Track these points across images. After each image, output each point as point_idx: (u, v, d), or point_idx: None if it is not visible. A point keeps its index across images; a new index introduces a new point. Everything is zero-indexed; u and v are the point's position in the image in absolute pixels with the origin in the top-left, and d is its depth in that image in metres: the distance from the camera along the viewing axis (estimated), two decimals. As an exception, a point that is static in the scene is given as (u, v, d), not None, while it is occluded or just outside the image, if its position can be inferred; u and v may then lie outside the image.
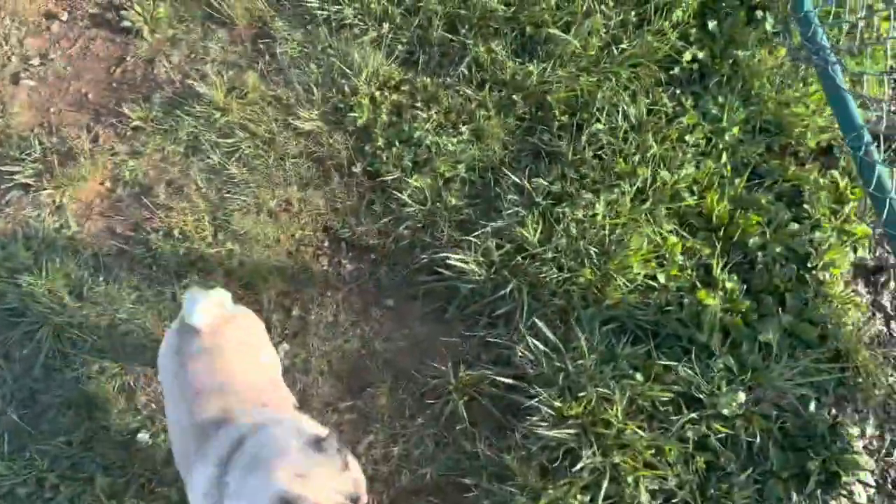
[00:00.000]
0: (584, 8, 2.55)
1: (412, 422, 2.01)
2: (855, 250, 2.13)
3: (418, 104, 2.46)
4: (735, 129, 2.30)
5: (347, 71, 2.51)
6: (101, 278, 2.24)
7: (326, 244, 2.30)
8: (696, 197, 2.18)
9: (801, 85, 2.43)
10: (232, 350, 1.60)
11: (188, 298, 1.60)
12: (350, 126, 2.44)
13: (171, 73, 2.59)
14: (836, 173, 2.21)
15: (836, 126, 2.34)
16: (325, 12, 2.66)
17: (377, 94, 2.48)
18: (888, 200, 1.91)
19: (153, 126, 2.48)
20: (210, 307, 1.60)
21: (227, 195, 2.34)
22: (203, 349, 1.57)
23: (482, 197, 2.31)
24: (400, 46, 2.60)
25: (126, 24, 2.69)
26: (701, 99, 2.39)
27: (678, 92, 2.41)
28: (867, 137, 2.05)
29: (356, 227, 2.30)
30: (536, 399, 1.90)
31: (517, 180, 2.27)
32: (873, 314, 2.06)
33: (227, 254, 2.25)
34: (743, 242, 2.10)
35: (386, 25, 2.62)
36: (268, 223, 2.30)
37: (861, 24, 2.32)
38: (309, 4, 2.67)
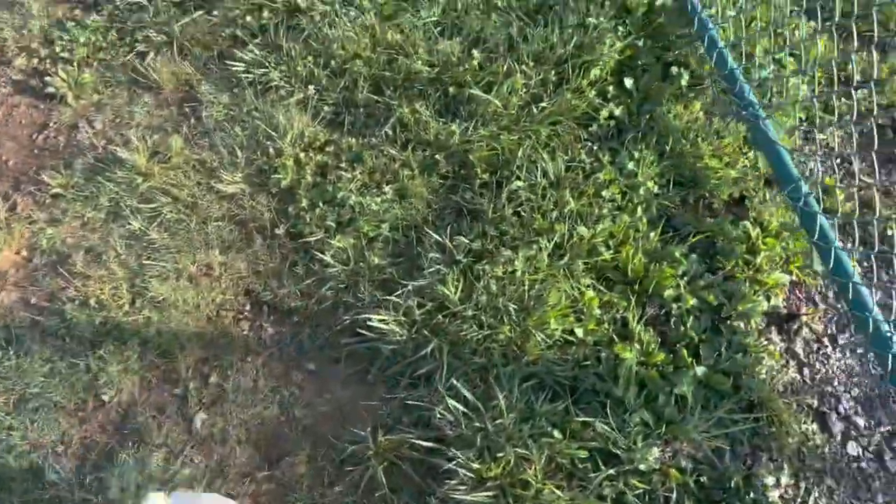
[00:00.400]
0: (506, 68, 2.63)
1: (331, 490, 1.97)
2: (768, 299, 2.17)
3: (343, 164, 2.48)
4: (650, 183, 2.35)
5: (272, 133, 2.53)
6: (11, 352, 2.18)
7: (248, 308, 2.28)
8: (612, 251, 2.22)
9: (714, 138, 2.51)
10: None
11: None
12: (274, 188, 2.45)
13: (94, 139, 2.59)
14: (748, 224, 2.27)
15: (748, 178, 2.42)
16: (251, 75, 2.70)
17: (302, 155, 2.50)
18: (833, 250, 1.98)
19: (74, 193, 2.46)
20: None
21: (147, 261, 2.32)
22: None
23: (405, 255, 2.32)
24: (326, 107, 2.64)
25: (50, 90, 2.69)
26: (618, 154, 2.45)
27: (595, 148, 2.47)
28: (805, 188, 2.12)
29: (278, 289, 2.28)
30: (455, 462, 1.88)
31: (439, 238, 2.29)
32: (787, 362, 2.09)
33: (145, 321, 2.21)
34: (659, 295, 2.14)
35: (312, 87, 2.66)
36: (187, 289, 2.27)
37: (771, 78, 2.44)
38: (235, 68, 2.71)
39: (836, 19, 2.18)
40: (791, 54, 2.64)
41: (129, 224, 2.38)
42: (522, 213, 2.31)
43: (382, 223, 2.36)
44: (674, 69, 2.66)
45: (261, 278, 2.31)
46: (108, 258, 2.33)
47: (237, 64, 2.70)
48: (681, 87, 2.62)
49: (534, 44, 2.69)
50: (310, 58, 2.71)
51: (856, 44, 2.02)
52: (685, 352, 2.02)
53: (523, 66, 2.65)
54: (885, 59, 2.71)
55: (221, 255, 2.33)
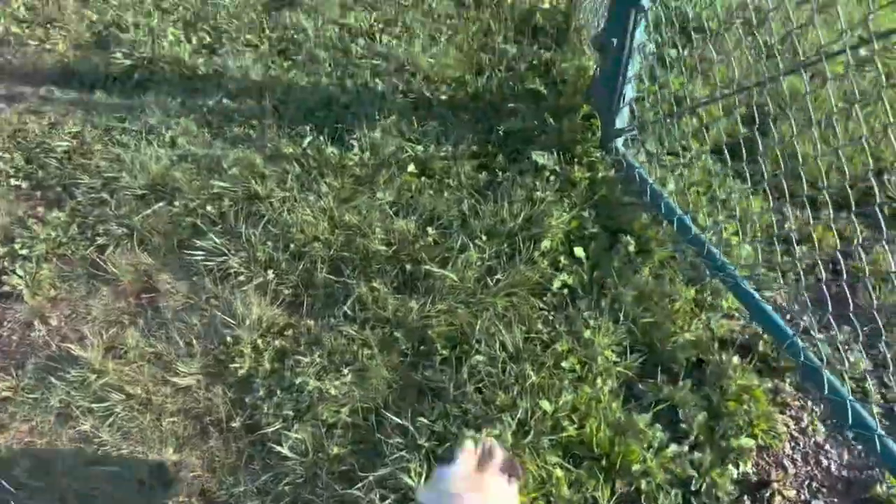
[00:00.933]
0: (460, 243, 2.72)
1: None
2: (737, 466, 2.13)
3: (302, 348, 2.47)
4: (608, 352, 2.38)
5: (230, 321, 2.53)
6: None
7: (202, 511, 2.17)
8: (576, 425, 2.19)
9: (667, 302, 2.58)
10: None
11: None
12: (231, 377, 2.42)
13: (49, 337, 2.56)
14: (707, 389, 2.28)
15: (705, 340, 2.47)
16: (211, 263, 2.74)
17: (260, 341, 2.49)
18: (848, 403, 2.00)
19: (23, 395, 2.39)
20: None
21: (95, 467, 2.22)
22: None
23: (366, 442, 2.26)
24: (285, 291, 2.67)
25: (6, 288, 2.69)
26: (574, 323, 2.48)
27: (552, 318, 2.51)
28: (801, 343, 2.16)
29: (234, 487, 2.18)
30: None
31: (401, 422, 2.24)
32: (765, 534, 2.02)
33: (90, 535, 2.08)
34: (627, 470, 2.09)
35: (271, 272, 2.71)
36: (139, 497, 2.16)
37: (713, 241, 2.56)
38: (194, 257, 2.75)
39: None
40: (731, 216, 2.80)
41: (81, 426, 2.30)
42: (484, 390, 2.29)
43: (342, 408, 2.31)
44: (621, 237, 2.78)
45: (216, 476, 2.22)
46: (53, 469, 2.22)
47: (196, 252, 2.75)
48: (629, 253, 2.72)
49: (485, 219, 2.81)
50: (269, 243, 2.78)
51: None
52: (660, 532, 1.95)
53: (476, 241, 2.75)
54: (819, 217, 2.87)
55: (175, 454, 2.24)
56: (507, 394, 2.26)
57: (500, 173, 3.05)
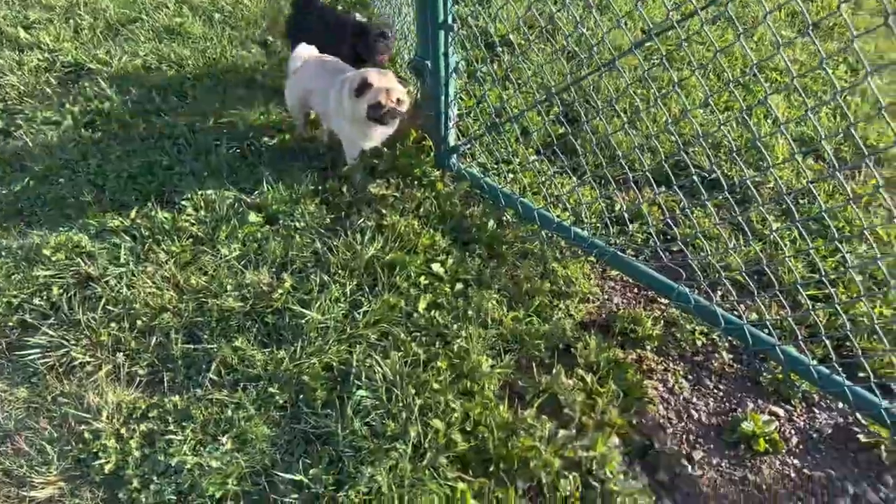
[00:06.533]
0: (319, 282, 2.68)
1: None
2: (621, 436, 2.25)
3: (171, 427, 2.30)
4: (483, 359, 2.43)
5: (85, 416, 2.30)
6: None
7: None
8: (469, 437, 2.21)
9: (527, 298, 2.69)
10: None
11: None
12: (97, 476, 2.19)
13: None
14: (581, 372, 2.40)
15: (569, 327, 2.60)
16: (50, 359, 2.49)
17: (123, 430, 2.29)
18: (745, 329, 2.15)
19: None
20: None
21: None
22: None
23: (261, 507, 2.14)
24: (140, 371, 2.48)
25: None
26: (446, 338, 2.52)
27: (424, 337, 2.53)
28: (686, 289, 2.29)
29: None
30: None
31: (293, 477, 2.15)
32: (657, 493, 2.14)
33: None
34: (525, 467, 2.13)
35: (120, 355, 2.51)
36: None
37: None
38: (30, 356, 2.49)
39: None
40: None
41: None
42: (373, 423, 2.26)
43: (228, 478, 2.17)
44: (473, 247, 2.88)
45: (100, 589, 1.99)
46: None
47: (31, 351, 2.49)
48: (483, 260, 2.82)
49: (339, 254, 2.79)
50: (112, 324, 2.57)
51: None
52: (566, 516, 2.00)
53: (336, 277, 2.72)
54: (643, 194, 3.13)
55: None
56: (396, 421, 2.24)
57: (345, 207, 3.05)
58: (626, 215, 2.99)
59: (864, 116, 3.62)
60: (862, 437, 2.25)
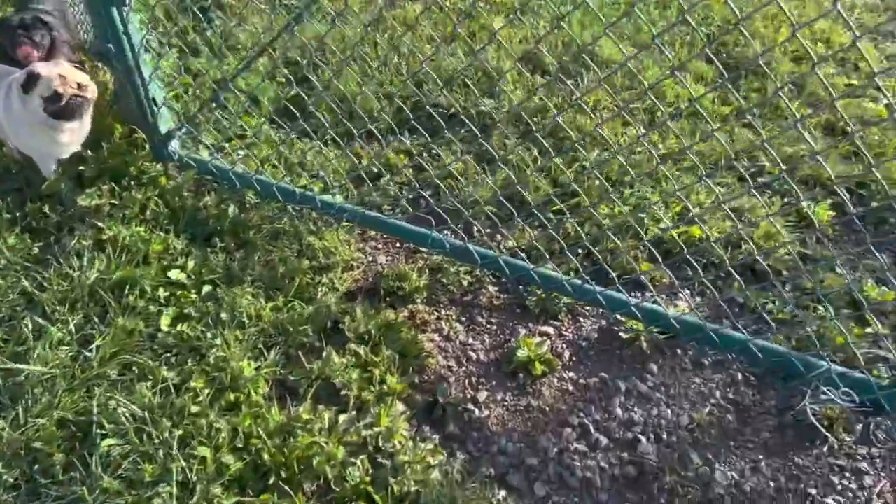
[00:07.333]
0: (32, 326, 2.26)
1: None
2: (405, 401, 2.17)
3: None
4: (245, 363, 2.20)
5: None
6: None
7: None
8: (243, 453, 1.99)
9: (286, 282, 2.48)
10: None
11: None
12: None
13: None
14: (353, 346, 2.26)
15: (334, 301, 2.43)
16: None
17: None
18: (500, 261, 2.00)
19: None
20: None
21: None
22: None
23: None
24: None
25: None
26: (201, 350, 2.25)
27: (174, 357, 2.24)
28: (439, 234, 2.14)
29: None
30: None
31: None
32: (451, 448, 2.09)
33: None
34: (309, 467, 1.96)
35: None
36: None
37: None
38: None
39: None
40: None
41: None
42: (126, 473, 1.95)
43: None
44: (214, 240, 2.59)
45: None
46: None
47: None
48: (229, 253, 2.56)
49: (54, 287, 2.37)
50: None
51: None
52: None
53: (55, 316, 2.32)
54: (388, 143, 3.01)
55: None
56: (154, 462, 1.95)
57: (53, 230, 2.60)
58: (375, 169, 2.87)
59: (578, 24, 3.77)
60: (623, 335, 2.36)
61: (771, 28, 3.72)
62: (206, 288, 2.44)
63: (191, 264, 2.50)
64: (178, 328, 2.30)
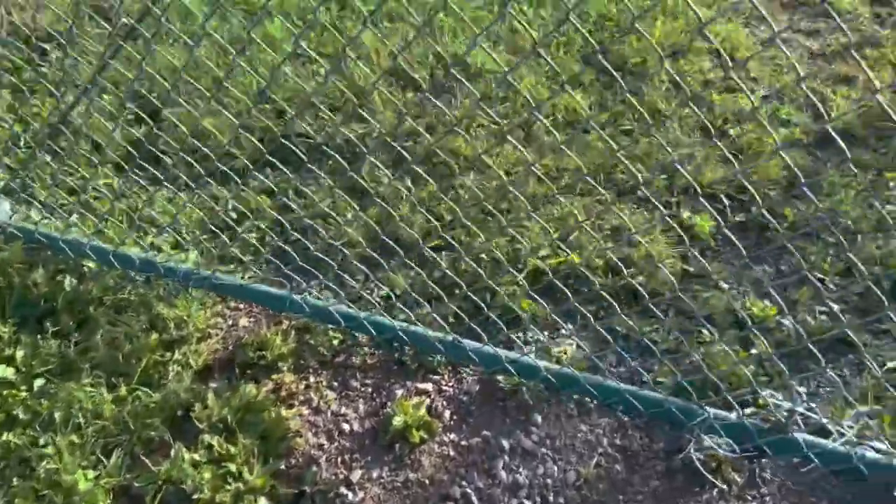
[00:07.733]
0: None
1: None
2: (270, 495, 1.96)
3: None
4: (81, 475, 1.94)
5: None
6: None
7: None
8: None
9: (134, 362, 2.21)
10: None
11: None
12: None
13: None
14: (205, 437, 2.03)
15: (186, 378, 2.18)
16: None
17: None
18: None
19: None
20: None
21: None
22: None
23: None
24: None
25: None
26: (24, 472, 1.97)
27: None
28: (297, 297, 1.91)
29: None
30: None
31: None
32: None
33: None
34: None
35: None
36: None
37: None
38: None
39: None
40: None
41: None
42: None
43: None
44: (46, 320, 2.29)
45: None
46: None
47: None
48: (65, 333, 2.26)
49: None
50: None
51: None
52: None
53: None
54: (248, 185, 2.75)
55: None
56: None
57: None
58: (234, 215, 2.61)
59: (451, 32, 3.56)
60: (505, 387, 2.21)
61: (647, 22, 3.61)
62: (38, 382, 2.15)
63: (20, 355, 2.20)
64: (4, 437, 2.01)
